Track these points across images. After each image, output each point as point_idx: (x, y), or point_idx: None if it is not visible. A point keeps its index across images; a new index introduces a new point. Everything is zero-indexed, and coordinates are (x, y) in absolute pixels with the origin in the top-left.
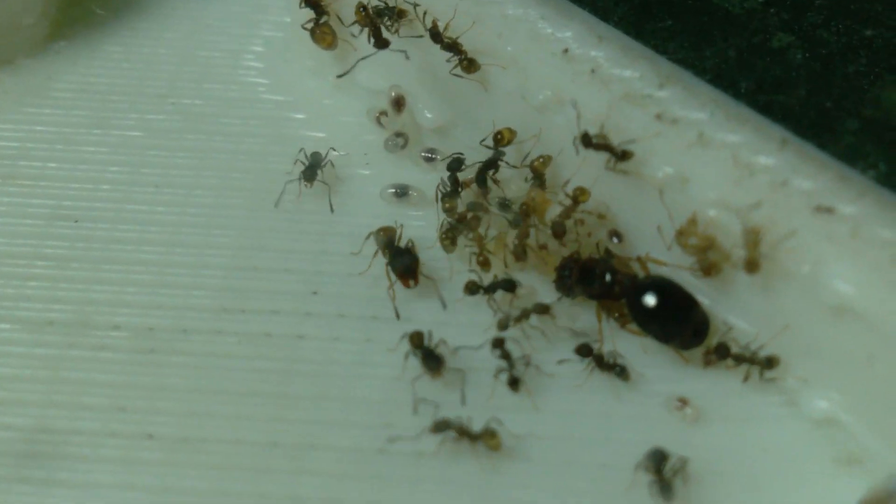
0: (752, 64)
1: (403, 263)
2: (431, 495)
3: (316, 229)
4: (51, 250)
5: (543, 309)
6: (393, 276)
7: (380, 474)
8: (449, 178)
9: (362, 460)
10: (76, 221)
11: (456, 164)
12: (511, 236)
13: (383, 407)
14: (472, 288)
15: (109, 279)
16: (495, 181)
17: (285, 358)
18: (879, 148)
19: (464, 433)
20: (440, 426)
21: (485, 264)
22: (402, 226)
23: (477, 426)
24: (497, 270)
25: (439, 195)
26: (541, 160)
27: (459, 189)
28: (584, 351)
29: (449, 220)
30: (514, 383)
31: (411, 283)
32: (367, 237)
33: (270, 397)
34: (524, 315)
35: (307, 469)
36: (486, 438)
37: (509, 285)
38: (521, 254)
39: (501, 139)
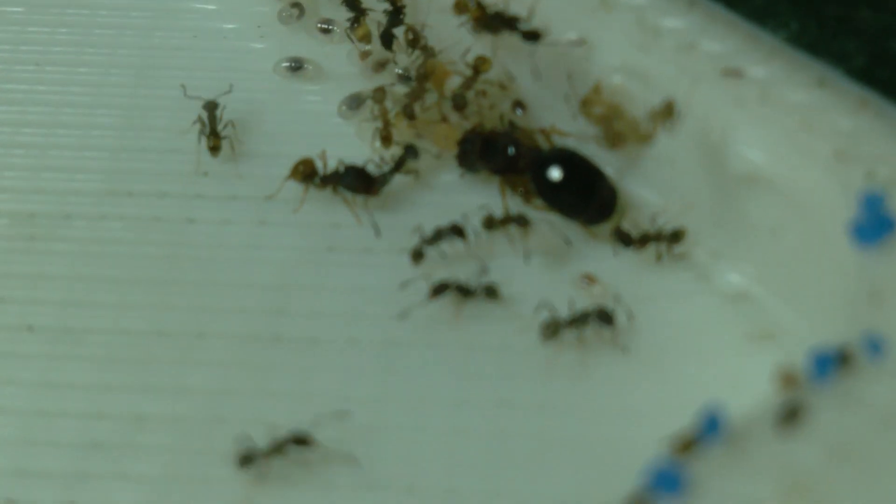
0: None
1: (360, 179)
2: (326, 384)
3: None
4: None
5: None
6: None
7: (273, 363)
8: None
9: (254, 348)
10: None
11: None
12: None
13: (277, 293)
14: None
15: None
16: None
17: (173, 243)
18: (792, 6)
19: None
20: (439, 289)
21: (386, 139)
22: (324, 151)
23: None
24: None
25: (347, 32)
26: (411, 33)
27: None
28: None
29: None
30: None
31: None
32: (286, 179)
33: (157, 284)
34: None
35: (195, 359)
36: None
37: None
38: (410, 113)
39: None
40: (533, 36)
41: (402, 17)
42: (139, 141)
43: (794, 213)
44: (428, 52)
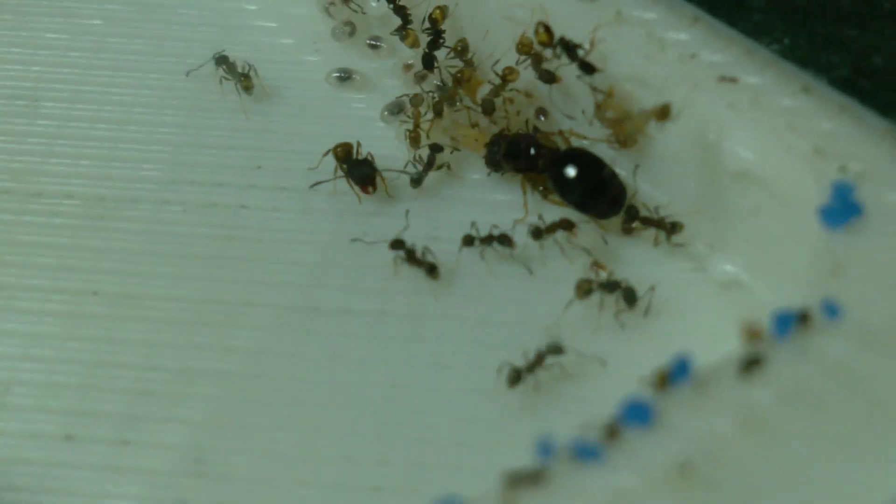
0: None
1: (362, 172)
2: (357, 350)
3: (260, 108)
4: (9, 126)
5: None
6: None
7: (310, 329)
8: (394, 9)
9: (293, 316)
10: (35, 101)
11: None
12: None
13: (316, 269)
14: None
15: (64, 153)
16: (435, 59)
17: (227, 225)
18: (786, 24)
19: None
20: (396, 244)
21: (414, 140)
22: (359, 143)
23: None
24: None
25: (399, 35)
26: (460, 45)
27: (408, 17)
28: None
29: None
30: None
31: (370, 189)
32: (325, 154)
33: (210, 259)
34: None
35: (240, 323)
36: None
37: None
38: (439, 110)
39: (436, 21)
40: (589, 69)
41: (441, 41)
42: (200, 138)
43: (779, 205)
44: (470, 64)
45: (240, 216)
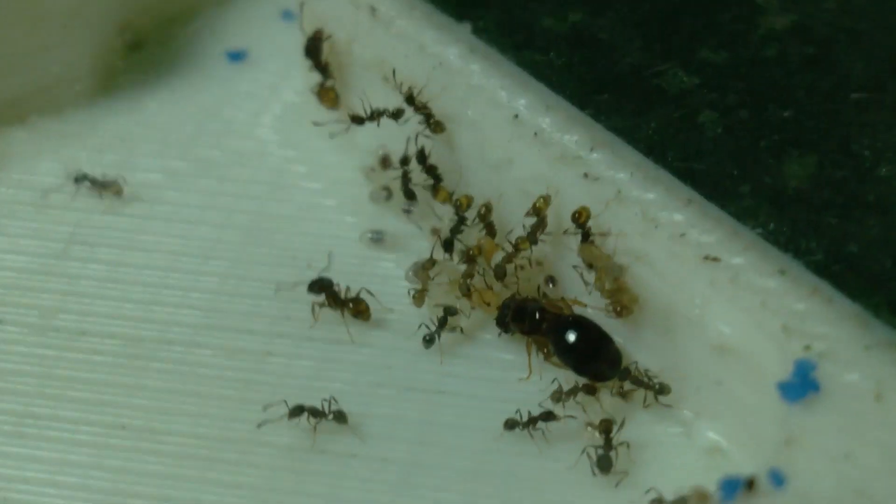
0: (677, 135)
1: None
2: (354, 493)
3: (297, 263)
4: (63, 270)
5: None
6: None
7: (315, 470)
8: (425, 169)
9: (301, 457)
10: (92, 247)
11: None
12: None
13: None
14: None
15: (111, 295)
16: (460, 241)
17: (250, 370)
18: (772, 209)
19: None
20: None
21: (419, 300)
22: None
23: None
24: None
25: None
26: (484, 208)
27: (439, 176)
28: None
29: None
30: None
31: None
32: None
33: (230, 400)
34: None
35: (251, 462)
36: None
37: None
38: (465, 291)
39: (461, 206)
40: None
41: (463, 228)
42: (239, 287)
43: (750, 376)
44: (491, 229)
45: (264, 362)
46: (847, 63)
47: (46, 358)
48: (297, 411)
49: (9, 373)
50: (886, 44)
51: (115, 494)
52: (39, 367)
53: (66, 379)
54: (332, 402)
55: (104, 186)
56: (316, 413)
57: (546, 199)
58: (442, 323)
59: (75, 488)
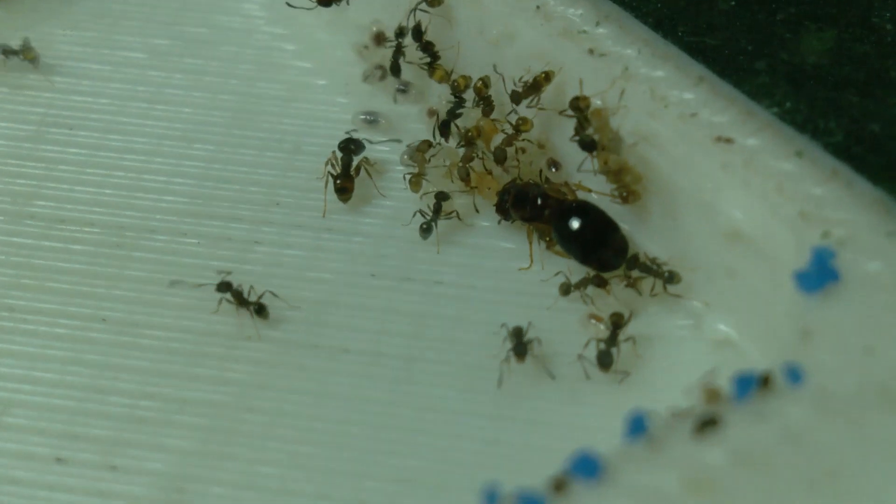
0: (688, 8)
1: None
2: (347, 389)
3: (285, 147)
4: (42, 153)
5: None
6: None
7: (305, 366)
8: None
9: (291, 352)
10: (71, 129)
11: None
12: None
13: (320, 306)
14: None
15: (91, 181)
16: (457, 126)
17: (238, 260)
18: (788, 87)
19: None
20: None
21: (416, 184)
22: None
23: None
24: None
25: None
26: (481, 83)
27: (436, 53)
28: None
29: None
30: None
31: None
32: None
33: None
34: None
35: (238, 357)
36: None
37: (601, 281)
38: (464, 176)
39: (458, 86)
40: (589, 146)
41: (461, 111)
42: (224, 172)
43: (764, 265)
44: (489, 105)
45: (252, 251)
46: None
47: (23, 247)
48: (223, 287)
49: None
50: None
51: (94, 391)
52: (16, 256)
53: (43, 269)
54: (257, 292)
55: (14, 53)
56: (240, 298)
57: (549, 75)
58: (437, 209)
59: (52, 384)
